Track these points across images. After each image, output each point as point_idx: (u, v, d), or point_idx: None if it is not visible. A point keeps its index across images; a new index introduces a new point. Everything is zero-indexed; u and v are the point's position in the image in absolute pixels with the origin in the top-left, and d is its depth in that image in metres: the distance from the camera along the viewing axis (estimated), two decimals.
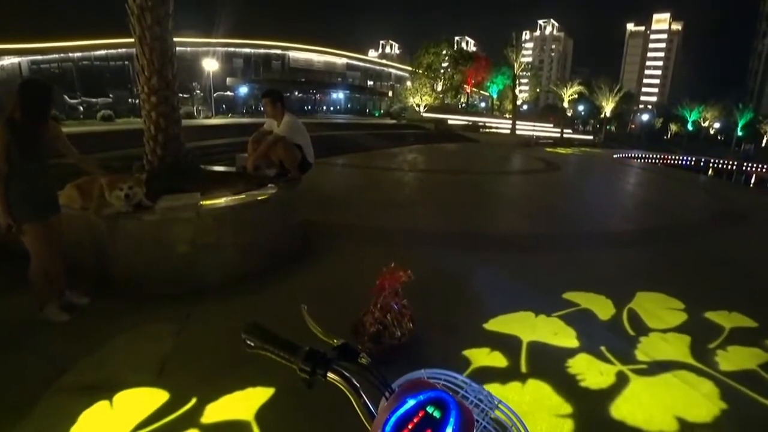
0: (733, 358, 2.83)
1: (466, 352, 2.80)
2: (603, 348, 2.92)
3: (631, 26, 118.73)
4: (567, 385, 2.51)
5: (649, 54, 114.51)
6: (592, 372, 2.67)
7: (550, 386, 2.49)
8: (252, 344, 0.76)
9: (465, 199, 8.24)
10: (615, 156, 21.71)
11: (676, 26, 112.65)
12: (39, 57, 33.95)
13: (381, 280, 2.68)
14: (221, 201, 3.77)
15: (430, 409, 0.56)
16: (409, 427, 0.54)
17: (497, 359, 2.75)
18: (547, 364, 2.73)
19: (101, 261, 3.40)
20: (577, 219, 7.20)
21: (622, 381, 2.60)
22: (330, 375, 0.69)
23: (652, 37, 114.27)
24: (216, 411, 2.16)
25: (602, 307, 3.52)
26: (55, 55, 34.81)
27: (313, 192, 6.12)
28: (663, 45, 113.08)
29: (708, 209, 8.72)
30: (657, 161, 22.31)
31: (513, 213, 7.44)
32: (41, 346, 2.67)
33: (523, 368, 2.67)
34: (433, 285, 3.67)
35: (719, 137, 68.76)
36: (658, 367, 2.71)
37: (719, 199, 10.03)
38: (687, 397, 2.44)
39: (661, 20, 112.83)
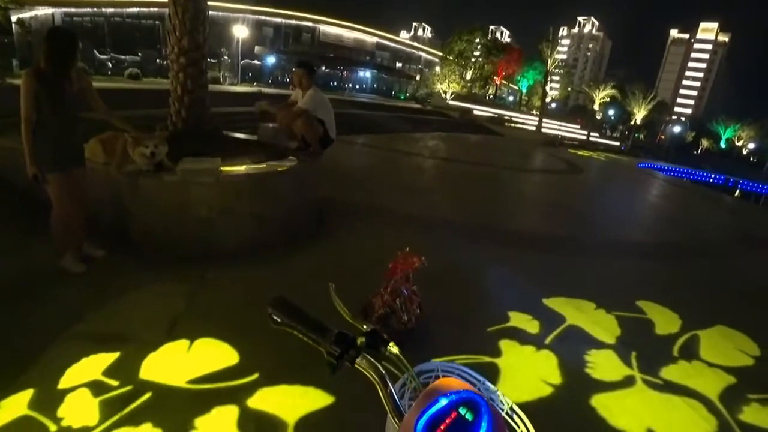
0: (763, 416, 2.52)
1: (511, 313, 3.24)
2: (634, 353, 2.93)
3: (674, 32, 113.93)
4: (573, 365, 2.71)
5: (690, 64, 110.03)
6: (605, 367, 2.75)
7: (557, 359, 2.75)
8: (278, 320, 0.73)
9: (483, 193, 8.13)
10: (640, 165, 21.13)
11: (723, 37, 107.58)
12: (72, 9, 34.23)
13: (393, 264, 2.66)
14: (241, 168, 3.77)
15: (462, 411, 0.53)
16: (441, 427, 0.51)
17: (533, 326, 3.13)
18: (571, 346, 2.95)
19: (119, 217, 3.45)
20: (604, 225, 7.04)
21: (626, 383, 2.61)
22: (358, 362, 0.67)
23: (696, 46, 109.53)
24: (183, 369, 2.21)
25: (666, 322, 3.49)
26: (88, 9, 35.05)
27: (332, 169, 6.11)
28: (706, 56, 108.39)
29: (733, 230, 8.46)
30: (683, 175, 21.66)
31: (531, 211, 7.33)
32: (56, 295, 2.73)
33: (548, 340, 2.97)
34: (445, 274, 3.65)
35: (752, 158, 66.38)
36: (674, 389, 2.63)
37: (746, 221, 9.72)
38: (681, 422, 2.36)
39: (708, 29, 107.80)
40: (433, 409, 0.53)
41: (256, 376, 2.20)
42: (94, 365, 2.18)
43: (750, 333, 3.44)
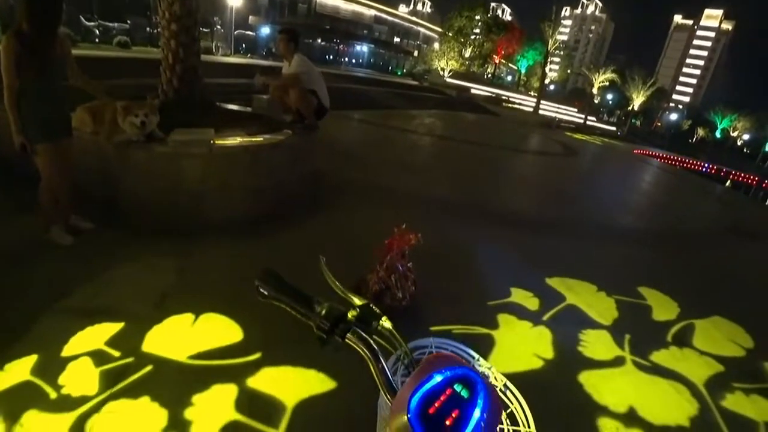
0: (744, 404, 2.55)
1: (513, 289, 3.36)
2: (627, 336, 2.99)
3: (678, 18, 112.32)
4: (566, 342, 2.80)
5: (692, 51, 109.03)
6: (598, 346, 2.83)
7: (552, 336, 2.84)
8: (266, 293, 0.70)
9: (478, 172, 8.11)
10: (635, 151, 21.16)
11: (727, 25, 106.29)
12: None
13: (390, 240, 2.66)
14: (235, 140, 3.69)
15: (457, 388, 0.51)
16: (436, 405, 0.49)
17: (532, 303, 3.23)
18: (567, 324, 3.02)
19: (109, 189, 3.37)
20: (602, 210, 7.03)
21: (616, 363, 2.68)
22: (349, 336, 0.64)
23: (699, 33, 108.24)
24: (186, 343, 2.21)
25: (664, 310, 3.52)
26: None
27: (327, 144, 6.02)
28: (708, 43, 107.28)
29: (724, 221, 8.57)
30: (677, 163, 21.77)
31: (526, 193, 7.33)
32: (44, 268, 2.69)
33: (546, 317, 3.06)
34: (442, 251, 3.67)
35: (745, 150, 66.77)
36: (661, 372, 2.68)
37: (741, 212, 9.83)
38: (664, 403, 2.42)
39: (713, 16, 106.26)
40: (428, 386, 0.51)
41: (258, 355, 2.18)
42: (98, 334, 2.18)
43: (747, 326, 3.45)
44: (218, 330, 2.34)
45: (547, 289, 3.52)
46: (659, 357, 2.83)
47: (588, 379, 2.49)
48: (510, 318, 3.00)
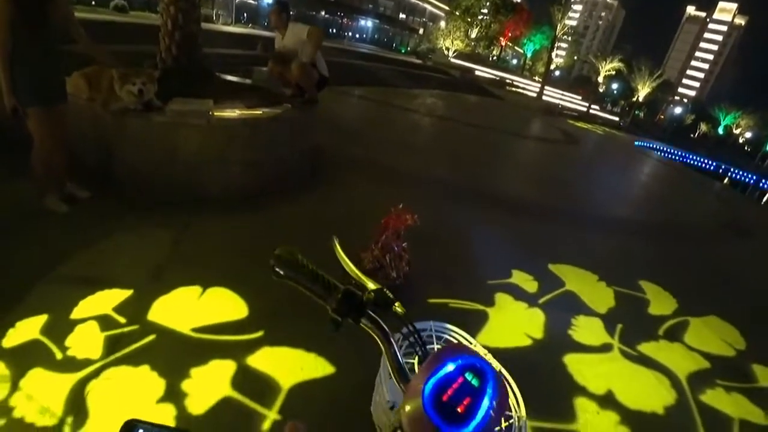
0: (723, 400, 2.58)
1: (514, 271, 3.48)
2: (619, 326, 3.06)
3: (691, 9, 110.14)
4: (558, 325, 2.89)
5: (702, 44, 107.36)
6: (588, 332, 2.91)
7: (545, 318, 2.94)
8: (281, 272, 0.68)
9: (478, 155, 8.08)
10: (636, 143, 21.08)
11: (740, 20, 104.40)
12: None
13: (386, 219, 2.67)
14: (234, 113, 3.64)
15: (468, 377, 0.52)
16: (449, 393, 0.51)
17: (531, 286, 3.34)
18: (561, 308, 3.11)
19: (104, 157, 3.33)
20: (604, 201, 7.06)
21: (602, 349, 2.76)
22: (363, 321, 0.65)
23: (711, 26, 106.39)
24: (191, 316, 2.23)
25: (662, 305, 3.56)
26: None
27: (328, 120, 5.97)
28: (719, 38, 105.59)
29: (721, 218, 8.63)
30: (678, 158, 21.75)
31: (526, 179, 7.33)
32: (39, 236, 2.68)
33: (542, 300, 3.15)
34: (438, 232, 3.71)
35: (746, 148, 66.64)
36: (646, 362, 2.75)
37: (732, 209, 9.89)
38: (642, 390, 2.49)
39: (726, 10, 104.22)
40: (441, 374, 0.52)
41: (260, 333, 2.19)
42: (107, 300, 2.22)
43: (742, 327, 3.47)
44: (224, 305, 2.36)
45: (548, 274, 3.60)
46: (647, 348, 2.89)
47: (572, 361, 2.57)
48: (507, 297, 3.10)
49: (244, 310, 2.34)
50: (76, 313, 2.11)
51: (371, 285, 0.69)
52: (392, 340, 0.64)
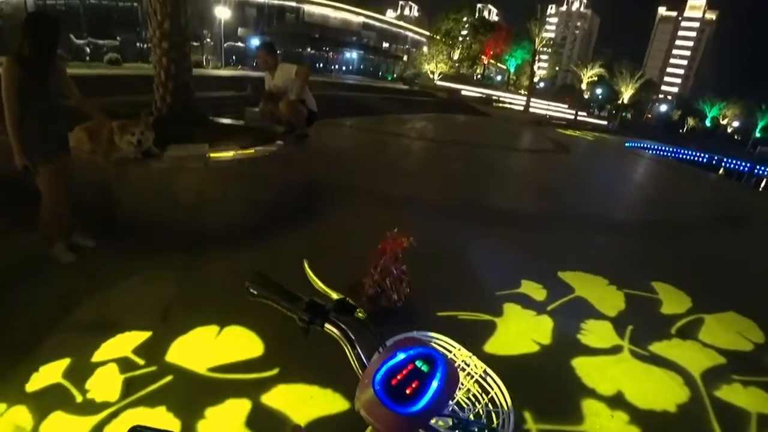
0: (740, 395, 2.51)
1: (524, 281, 3.50)
2: (630, 327, 3.03)
3: (662, 10, 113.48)
4: (566, 330, 2.90)
5: (678, 42, 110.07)
6: (597, 335, 2.90)
7: (553, 324, 2.95)
8: (255, 293, 0.80)
9: (471, 172, 8.18)
10: (627, 144, 21.34)
11: (711, 15, 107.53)
12: None
13: (383, 244, 2.73)
14: (229, 153, 3.77)
15: (418, 363, 0.59)
16: (398, 377, 0.57)
17: (539, 294, 3.36)
18: (570, 314, 3.11)
19: (107, 206, 3.44)
20: (606, 205, 7.09)
21: (612, 351, 2.75)
22: (327, 326, 0.73)
23: (684, 24, 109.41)
24: (208, 355, 2.26)
25: (675, 304, 3.50)
26: None
27: (320, 152, 6.10)
28: (693, 34, 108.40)
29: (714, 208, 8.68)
30: (670, 154, 21.96)
31: (521, 190, 7.41)
32: (48, 285, 2.74)
33: (551, 307, 3.17)
34: (433, 253, 3.72)
35: (736, 136, 67.35)
36: (657, 361, 2.70)
37: (729, 199, 9.95)
38: (653, 389, 2.45)
39: (696, 7, 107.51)
40: (391, 362, 0.59)
41: (276, 371, 2.20)
42: (126, 342, 2.27)
43: (761, 321, 3.35)
44: (240, 343, 2.38)
45: (557, 282, 3.62)
46: (658, 347, 2.85)
47: (580, 364, 2.57)
48: (515, 307, 3.12)
49: (260, 348, 2.35)
50: (97, 356, 2.17)
51: (334, 296, 0.79)
52: (354, 342, 0.72)
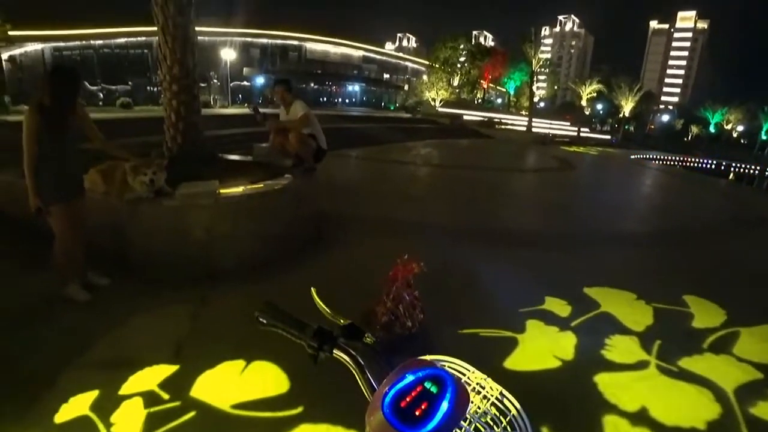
0: None
1: (548, 297, 3.47)
2: (658, 342, 2.94)
3: (654, 24, 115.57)
4: (589, 346, 2.84)
5: (672, 53, 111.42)
6: (622, 350, 2.81)
7: (576, 340, 2.90)
8: (264, 322, 0.81)
9: (477, 195, 8.22)
10: (632, 157, 21.29)
11: (702, 24, 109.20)
12: (61, 44, 34.54)
13: (394, 271, 2.71)
14: (238, 189, 3.83)
15: (428, 385, 0.59)
16: (407, 399, 0.57)
17: (564, 310, 3.33)
18: (595, 330, 3.06)
19: (121, 244, 3.49)
20: (631, 218, 7.05)
21: (637, 367, 2.66)
22: (336, 352, 0.73)
23: (676, 35, 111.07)
24: (233, 391, 2.23)
25: (708, 317, 3.39)
26: (77, 42, 35.36)
27: (328, 183, 6.17)
28: (687, 44, 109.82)
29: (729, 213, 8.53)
30: (676, 163, 21.83)
31: (525, 211, 7.39)
32: (63, 324, 2.77)
33: (575, 323, 3.12)
34: (445, 278, 3.70)
35: (742, 140, 66.96)
36: (686, 377, 2.59)
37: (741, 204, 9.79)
38: (680, 405, 2.34)
39: (686, 18, 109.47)
40: (400, 384, 0.58)
41: (300, 409, 2.14)
42: (153, 375, 2.28)
43: None
44: (266, 378, 2.34)
45: (583, 298, 3.57)
46: (688, 362, 2.73)
47: (603, 380, 2.49)
48: (537, 323, 3.08)
49: (285, 384, 2.30)
50: (124, 389, 2.18)
51: (342, 322, 0.79)
52: (364, 367, 0.71)
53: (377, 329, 2.64)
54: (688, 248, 5.42)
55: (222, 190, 3.66)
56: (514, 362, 2.61)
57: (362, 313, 2.78)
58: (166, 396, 2.15)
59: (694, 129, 68.72)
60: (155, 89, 31.29)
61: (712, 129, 64.55)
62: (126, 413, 2.03)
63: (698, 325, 3.28)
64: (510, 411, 0.76)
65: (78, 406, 2.05)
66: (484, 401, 0.77)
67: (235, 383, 2.30)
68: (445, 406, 0.56)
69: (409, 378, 0.60)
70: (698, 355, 2.84)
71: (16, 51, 30.86)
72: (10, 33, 20.75)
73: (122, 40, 36.72)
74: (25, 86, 25.63)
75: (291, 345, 0.81)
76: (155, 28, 4.28)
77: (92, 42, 35.88)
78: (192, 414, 2.06)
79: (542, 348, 2.78)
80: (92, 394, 2.12)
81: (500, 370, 2.50)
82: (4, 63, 26.37)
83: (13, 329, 2.69)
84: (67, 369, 2.31)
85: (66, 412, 2.01)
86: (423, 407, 0.56)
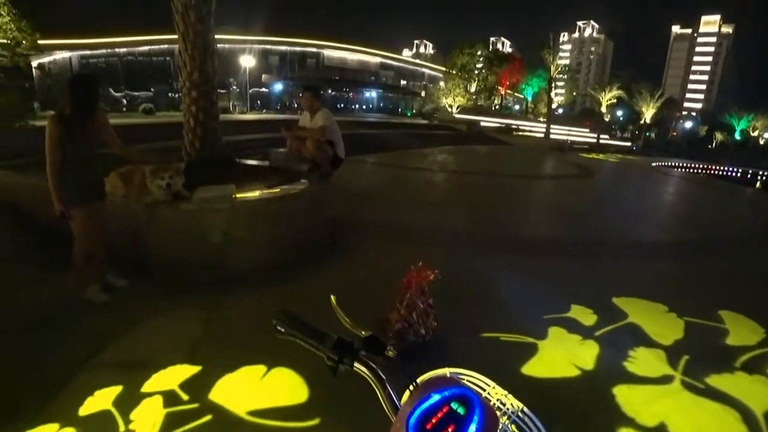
0: None
1: (573, 305, 3.40)
2: (685, 357, 2.82)
3: (676, 29, 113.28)
4: (612, 356, 2.76)
5: (696, 58, 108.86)
6: (646, 363, 2.72)
7: (599, 350, 2.82)
8: (282, 330, 0.78)
9: (494, 202, 8.09)
10: (654, 164, 20.79)
11: (727, 29, 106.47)
12: (88, 52, 35.88)
13: (408, 278, 2.68)
14: (255, 194, 3.86)
15: (454, 405, 0.55)
16: (433, 421, 0.54)
17: (589, 319, 3.26)
18: (619, 341, 2.97)
19: (139, 247, 3.55)
20: (670, 228, 6.86)
21: (660, 381, 2.56)
22: (356, 365, 0.70)
23: (700, 40, 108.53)
24: (251, 397, 2.22)
25: (744, 335, 3.22)
26: (103, 51, 36.68)
27: (344, 189, 6.18)
28: (711, 49, 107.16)
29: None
30: (700, 171, 21.22)
31: (544, 218, 7.24)
32: (81, 324, 2.83)
33: (599, 332, 3.05)
34: (460, 286, 3.63)
35: None
36: (712, 395, 2.46)
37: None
38: (703, 424, 2.23)
39: (711, 22, 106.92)
40: (425, 405, 0.55)
41: (316, 421, 2.09)
42: (176, 375, 2.31)
43: None
44: (285, 386, 2.31)
45: (610, 307, 3.48)
46: (716, 380, 2.59)
47: (622, 392, 2.41)
48: (560, 331, 3.02)
49: (304, 393, 2.26)
50: (147, 387, 2.22)
51: (363, 333, 0.75)
52: (385, 381, 0.68)
53: (390, 337, 2.61)
54: (719, 260, 5.22)
55: (238, 195, 3.69)
56: (532, 368, 2.56)
57: (376, 320, 2.75)
58: (185, 397, 2.16)
59: (719, 136, 66.75)
60: (176, 95, 32.11)
61: (737, 136, 62.64)
62: (145, 411, 2.06)
63: (733, 342, 3.11)
64: (531, 429, 0.72)
65: (102, 400, 2.11)
66: (504, 417, 0.73)
67: (254, 389, 2.28)
68: (473, 430, 0.53)
69: (435, 398, 0.56)
70: (728, 374, 2.69)
71: (45, 59, 32.17)
72: (40, 42, 21.64)
73: (145, 48, 37.90)
74: (54, 93, 26.64)
75: (310, 352, 0.78)
76: (176, 36, 4.38)
77: (117, 50, 37.15)
78: (208, 418, 2.06)
79: (562, 356, 2.71)
80: (116, 389, 2.18)
81: (517, 375, 2.46)
82: (33, 71, 27.52)
83: (36, 328, 2.75)
84: (87, 367, 2.37)
85: (90, 405, 2.07)
86: (450, 430, 0.53)
